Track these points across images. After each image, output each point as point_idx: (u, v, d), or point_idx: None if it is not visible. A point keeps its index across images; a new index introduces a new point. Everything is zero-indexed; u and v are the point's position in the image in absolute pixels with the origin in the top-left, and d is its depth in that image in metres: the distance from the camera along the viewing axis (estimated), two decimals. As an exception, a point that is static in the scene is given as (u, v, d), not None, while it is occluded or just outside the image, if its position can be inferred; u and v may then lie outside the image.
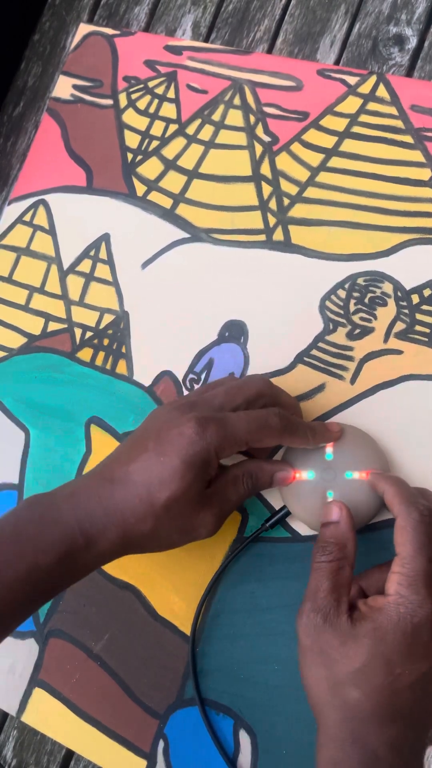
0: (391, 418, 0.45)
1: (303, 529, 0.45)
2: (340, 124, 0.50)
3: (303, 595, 0.37)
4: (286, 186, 0.51)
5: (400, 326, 0.46)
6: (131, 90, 0.57)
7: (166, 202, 0.54)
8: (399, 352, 0.46)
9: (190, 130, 0.54)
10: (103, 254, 0.55)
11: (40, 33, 0.64)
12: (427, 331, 0.45)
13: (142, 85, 0.57)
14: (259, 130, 0.52)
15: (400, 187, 0.48)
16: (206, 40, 0.57)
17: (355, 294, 0.47)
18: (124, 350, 0.52)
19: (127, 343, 0.52)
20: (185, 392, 0.50)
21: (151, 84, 0.57)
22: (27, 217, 0.58)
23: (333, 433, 0.43)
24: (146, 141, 0.56)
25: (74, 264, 0.55)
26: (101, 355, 0.53)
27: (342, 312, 0.48)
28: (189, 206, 0.53)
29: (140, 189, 0.55)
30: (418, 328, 0.46)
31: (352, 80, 0.51)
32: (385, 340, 0.46)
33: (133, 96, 0.57)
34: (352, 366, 0.47)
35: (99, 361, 0.53)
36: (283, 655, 0.44)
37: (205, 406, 0.40)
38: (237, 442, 0.39)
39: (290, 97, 0.52)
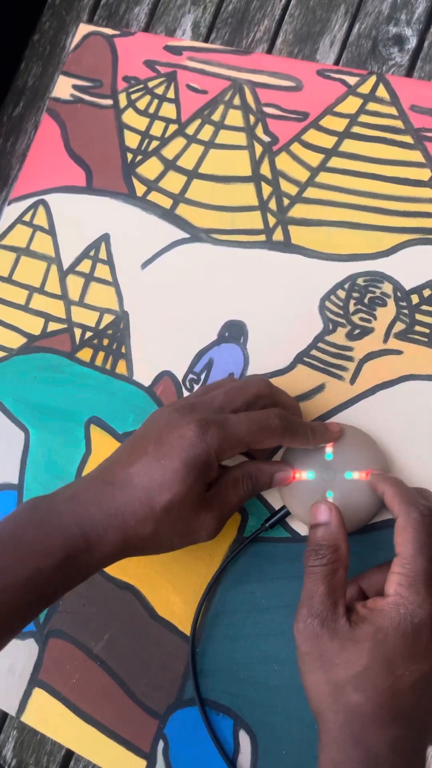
0: (391, 418, 0.45)
1: (303, 529, 0.45)
2: (339, 125, 0.50)
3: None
4: (285, 186, 0.51)
5: (399, 326, 0.46)
6: (131, 90, 0.57)
7: (166, 202, 0.54)
8: (399, 352, 0.46)
9: (190, 130, 0.54)
10: (102, 254, 0.55)
11: (40, 33, 0.63)
12: (427, 331, 0.45)
13: (141, 86, 0.57)
14: (259, 131, 0.52)
15: (400, 188, 0.48)
16: (206, 41, 0.57)
17: (355, 294, 0.47)
18: (123, 350, 0.52)
19: (126, 344, 0.52)
20: (185, 392, 0.50)
21: (150, 84, 0.57)
22: (27, 217, 0.58)
23: (333, 433, 0.43)
24: (146, 141, 0.56)
25: (74, 264, 0.55)
26: (101, 355, 0.53)
27: (342, 312, 0.48)
28: (189, 206, 0.53)
29: (140, 189, 0.55)
30: (417, 328, 0.46)
31: (351, 80, 0.51)
32: (385, 340, 0.46)
33: (133, 96, 0.57)
34: (352, 366, 0.47)
35: (99, 362, 0.53)
36: (282, 655, 0.44)
37: (205, 408, 0.40)
38: (238, 443, 0.39)
39: (290, 98, 0.52)
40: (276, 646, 0.44)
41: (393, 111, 0.49)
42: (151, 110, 0.56)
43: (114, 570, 0.48)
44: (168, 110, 0.55)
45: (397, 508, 0.36)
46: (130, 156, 0.56)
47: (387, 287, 0.47)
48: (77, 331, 0.54)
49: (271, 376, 0.48)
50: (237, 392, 0.41)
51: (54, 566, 0.36)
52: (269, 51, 0.55)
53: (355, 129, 0.50)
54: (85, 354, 0.53)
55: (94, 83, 0.59)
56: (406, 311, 0.46)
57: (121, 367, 0.52)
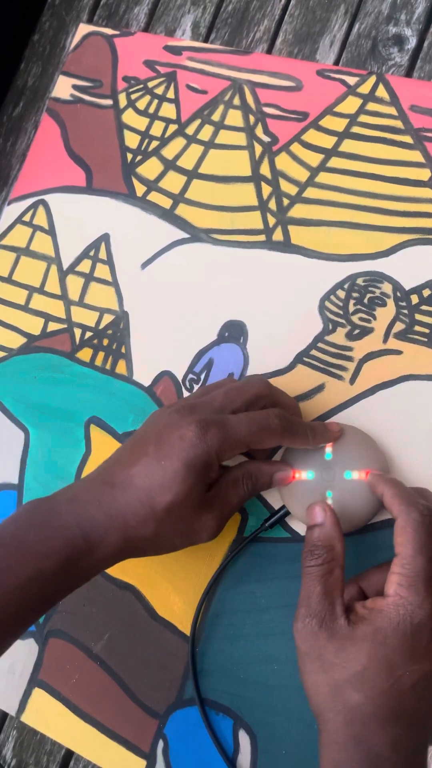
0: (391, 418, 0.45)
1: (302, 529, 0.45)
2: (339, 125, 0.50)
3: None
4: (285, 186, 0.51)
5: (399, 326, 0.46)
6: (131, 90, 0.57)
7: (166, 203, 0.54)
8: (398, 352, 0.46)
9: (190, 130, 0.54)
10: (102, 254, 0.55)
11: (39, 33, 0.64)
12: (427, 331, 0.45)
13: (141, 86, 0.57)
14: (259, 131, 0.52)
15: (400, 188, 0.48)
16: (206, 41, 0.57)
17: (355, 294, 0.47)
18: (123, 350, 0.52)
19: (126, 344, 0.52)
20: (185, 392, 0.50)
21: (150, 84, 0.57)
22: (27, 217, 0.58)
23: (333, 433, 0.43)
24: (146, 141, 0.56)
25: (74, 264, 0.55)
26: (101, 355, 0.53)
27: (341, 312, 0.48)
28: (189, 206, 0.53)
29: (140, 189, 0.55)
30: (417, 328, 0.46)
31: (351, 80, 0.51)
32: (385, 340, 0.46)
33: (133, 96, 0.57)
34: (352, 366, 0.47)
35: (99, 362, 0.53)
36: (282, 655, 0.44)
37: (205, 408, 0.40)
38: (238, 444, 0.39)
39: (290, 98, 0.52)
40: (276, 646, 0.44)
41: (393, 111, 0.49)
42: (151, 110, 0.56)
43: (114, 570, 0.48)
44: (168, 110, 0.55)
45: (396, 509, 0.37)
46: (130, 156, 0.56)
47: (387, 287, 0.47)
48: (77, 331, 0.54)
49: (271, 376, 0.48)
50: (237, 393, 0.41)
51: (55, 568, 0.36)
52: (269, 51, 0.55)
53: (355, 129, 0.50)
54: (85, 354, 0.53)
55: (94, 83, 0.59)
56: (405, 311, 0.46)
57: (121, 367, 0.52)
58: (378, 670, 0.33)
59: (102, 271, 0.54)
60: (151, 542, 0.39)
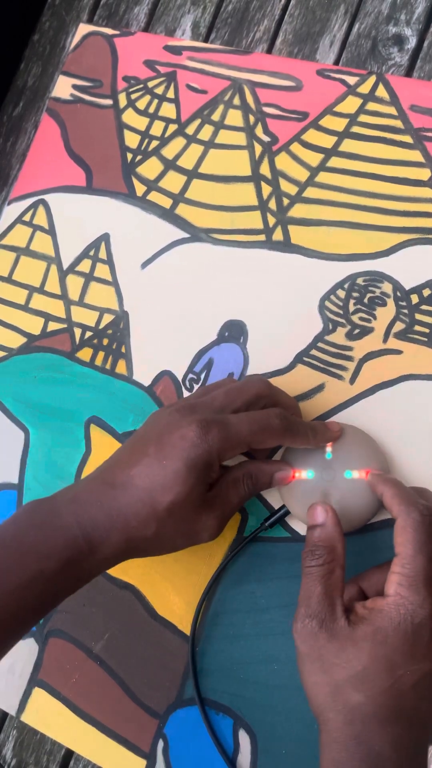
0: (391, 417, 0.45)
1: (302, 529, 0.45)
2: (339, 124, 0.50)
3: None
4: (285, 186, 0.51)
5: (399, 326, 0.46)
6: (131, 90, 0.57)
7: (166, 202, 0.54)
8: (398, 352, 0.46)
9: (190, 130, 0.54)
10: (102, 254, 0.55)
11: (40, 33, 0.64)
12: (427, 331, 0.45)
13: (141, 85, 0.57)
14: (259, 130, 0.52)
15: (400, 187, 0.48)
16: (206, 40, 0.57)
17: (355, 294, 0.47)
18: (123, 350, 0.52)
19: (126, 343, 0.52)
20: (185, 392, 0.50)
21: (150, 84, 0.57)
22: (27, 217, 0.58)
23: (333, 433, 0.43)
24: (146, 141, 0.56)
25: (74, 264, 0.55)
26: (101, 355, 0.53)
27: (341, 312, 0.48)
28: (189, 206, 0.53)
29: (140, 189, 0.55)
30: (417, 328, 0.46)
31: (351, 80, 0.51)
32: (385, 340, 0.46)
33: (133, 96, 0.57)
34: (352, 366, 0.47)
35: (99, 361, 0.53)
36: (282, 655, 0.44)
37: (205, 408, 0.40)
38: (239, 444, 0.39)
39: (290, 97, 0.52)
40: (276, 646, 0.44)
41: (393, 111, 0.49)
42: (151, 110, 0.56)
43: (114, 570, 0.48)
44: (168, 110, 0.55)
45: (396, 509, 0.37)
46: (130, 156, 0.56)
47: (387, 287, 0.47)
48: (77, 331, 0.54)
49: (271, 376, 0.48)
50: (237, 392, 0.41)
51: (56, 569, 0.36)
52: (269, 51, 0.55)
53: (355, 129, 0.50)
54: (85, 354, 0.53)
55: (94, 83, 0.59)
56: (405, 311, 0.46)
57: (121, 367, 0.52)
58: (379, 670, 0.33)
59: (102, 270, 0.54)
60: (153, 542, 0.39)
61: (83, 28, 0.60)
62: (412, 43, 0.51)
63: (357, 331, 0.47)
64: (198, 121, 0.54)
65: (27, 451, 0.53)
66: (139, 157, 0.55)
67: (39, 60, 0.63)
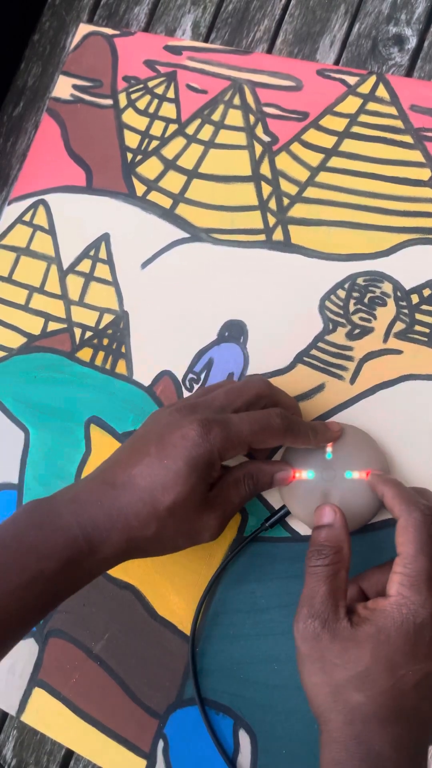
0: (391, 417, 0.45)
1: (302, 529, 0.45)
2: (339, 124, 0.50)
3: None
4: (285, 186, 0.51)
5: (399, 326, 0.46)
6: (131, 90, 0.57)
7: (166, 202, 0.54)
8: (398, 352, 0.46)
9: (190, 130, 0.54)
10: (102, 254, 0.55)
11: (40, 33, 0.64)
12: (427, 331, 0.45)
13: (141, 85, 0.57)
14: (259, 130, 0.52)
15: (400, 187, 0.48)
16: (206, 40, 0.57)
17: (355, 294, 0.47)
18: (123, 350, 0.52)
19: (126, 343, 0.52)
20: (185, 392, 0.50)
21: (150, 84, 0.57)
22: (27, 217, 0.58)
23: (333, 433, 0.43)
24: (146, 141, 0.56)
25: (74, 264, 0.55)
26: (101, 354, 0.53)
27: (342, 312, 0.48)
28: (189, 206, 0.53)
29: (140, 189, 0.55)
30: (417, 328, 0.46)
31: (351, 80, 0.51)
32: (385, 340, 0.46)
33: (133, 96, 0.57)
34: (352, 366, 0.47)
35: (99, 361, 0.53)
36: (282, 655, 0.44)
37: (206, 408, 0.40)
38: (240, 443, 0.39)
39: (290, 97, 0.52)
40: (276, 646, 0.44)
41: (393, 111, 0.49)
42: (151, 110, 0.56)
43: (114, 570, 0.48)
44: (168, 110, 0.55)
45: (398, 509, 0.36)
46: (130, 156, 0.56)
47: (387, 287, 0.47)
48: (77, 331, 0.54)
49: (271, 376, 0.48)
50: (238, 392, 0.41)
51: (56, 569, 0.36)
52: (269, 51, 0.55)
53: (355, 129, 0.50)
54: (85, 354, 0.53)
55: (94, 83, 0.59)
56: (406, 311, 0.46)
57: (121, 367, 0.52)
58: (380, 670, 0.33)
59: (102, 270, 0.54)
60: (154, 542, 0.39)
61: (83, 28, 0.60)
62: (412, 43, 0.51)
63: (357, 331, 0.47)
64: (198, 121, 0.54)
65: (27, 451, 0.53)
66: (139, 157, 0.55)
67: (39, 60, 0.63)
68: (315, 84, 0.52)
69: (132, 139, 0.56)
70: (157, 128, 0.55)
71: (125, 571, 0.48)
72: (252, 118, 0.53)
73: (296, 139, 0.51)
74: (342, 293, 0.48)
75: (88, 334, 0.53)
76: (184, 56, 0.56)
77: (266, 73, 0.53)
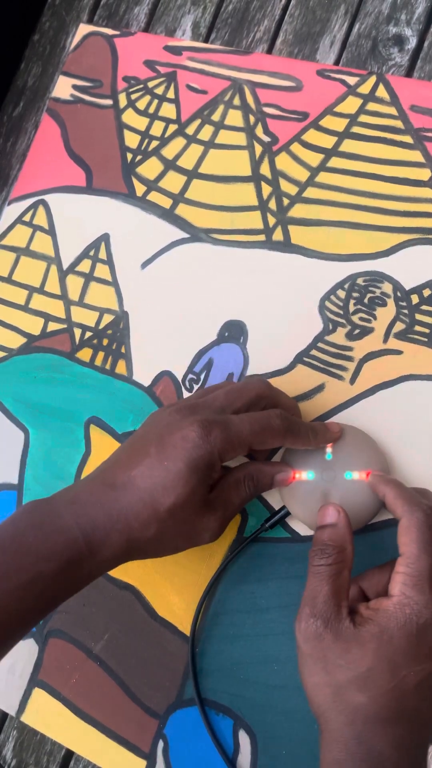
0: (391, 418, 0.45)
1: (302, 530, 0.45)
2: (339, 125, 0.50)
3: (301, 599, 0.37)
4: (285, 186, 0.51)
5: (399, 326, 0.46)
6: (131, 90, 0.57)
7: (166, 202, 0.54)
8: (398, 352, 0.46)
9: (190, 130, 0.54)
10: (102, 254, 0.55)
11: (40, 33, 0.63)
12: (427, 331, 0.45)
13: (141, 86, 0.57)
14: (259, 131, 0.52)
15: (400, 188, 0.48)
16: (206, 41, 0.57)
17: (355, 294, 0.47)
18: (123, 350, 0.52)
19: (126, 343, 0.52)
20: (185, 392, 0.50)
21: (150, 84, 0.57)
22: (27, 217, 0.58)
23: (333, 434, 0.43)
24: (146, 141, 0.56)
25: (74, 264, 0.55)
26: (101, 355, 0.53)
27: (341, 312, 0.48)
28: (188, 206, 0.53)
29: (140, 189, 0.55)
30: (417, 328, 0.46)
31: (351, 80, 0.51)
32: (385, 340, 0.46)
33: (133, 96, 0.57)
34: (352, 366, 0.47)
35: (98, 361, 0.52)
36: (282, 655, 0.43)
37: (206, 408, 0.40)
38: (240, 444, 0.39)
39: (290, 98, 0.52)
40: (276, 646, 0.44)
41: (393, 111, 0.49)
42: (151, 110, 0.56)
43: (114, 570, 0.48)
44: (168, 110, 0.55)
45: (400, 509, 0.36)
46: (130, 156, 0.56)
47: (387, 287, 0.47)
48: (77, 331, 0.54)
49: (271, 376, 0.48)
50: (238, 393, 0.41)
51: (56, 570, 0.36)
52: (269, 51, 0.55)
53: (355, 129, 0.50)
54: (84, 354, 0.53)
55: (94, 83, 0.59)
56: (406, 311, 0.46)
57: (121, 367, 0.52)
58: (382, 671, 0.33)
59: (102, 271, 0.54)
60: (154, 544, 0.38)
61: (83, 29, 0.60)
62: (412, 43, 0.51)
63: (357, 331, 0.47)
64: (198, 121, 0.54)
65: (27, 451, 0.53)
66: (139, 157, 0.55)
67: (39, 60, 0.63)
68: (315, 84, 0.52)
69: (132, 140, 0.56)
70: (157, 128, 0.55)
71: (125, 572, 0.48)
72: (252, 119, 0.53)
73: (296, 140, 0.51)
74: (342, 293, 0.48)
75: (88, 334, 0.53)
76: (184, 56, 0.56)
77: (266, 74, 0.53)
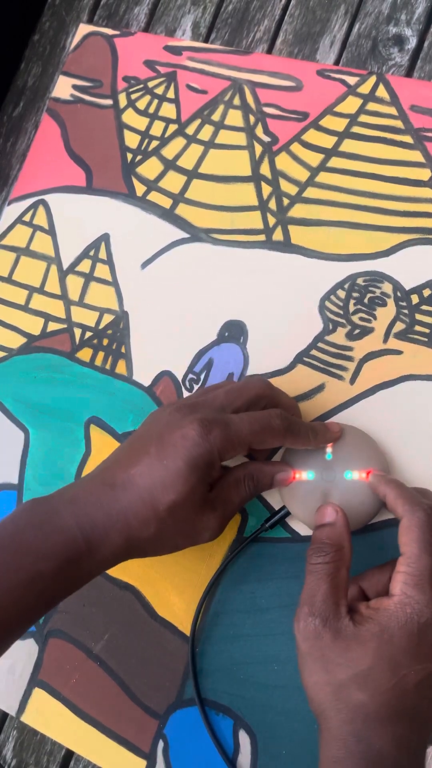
0: (391, 418, 0.45)
1: (302, 529, 0.45)
2: (339, 125, 0.50)
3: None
4: (285, 186, 0.51)
5: (399, 326, 0.46)
6: (131, 90, 0.57)
7: (166, 202, 0.54)
8: (398, 352, 0.46)
9: (190, 130, 0.54)
10: (102, 254, 0.55)
11: (40, 33, 0.64)
12: (427, 331, 0.45)
13: (141, 86, 0.57)
14: (259, 130, 0.52)
15: (400, 188, 0.48)
16: (206, 41, 0.57)
17: (355, 294, 0.47)
18: (123, 350, 0.52)
19: (126, 343, 0.52)
20: (185, 392, 0.50)
21: (150, 84, 0.57)
22: (27, 217, 0.58)
23: (333, 433, 0.43)
24: (146, 141, 0.56)
25: (74, 264, 0.55)
26: (101, 355, 0.53)
27: (341, 312, 0.48)
28: (189, 206, 0.53)
29: (140, 189, 0.55)
30: (417, 328, 0.46)
31: (351, 80, 0.51)
32: (385, 340, 0.46)
33: (133, 96, 0.57)
34: (352, 366, 0.47)
35: (98, 361, 0.52)
36: (282, 655, 0.43)
37: (206, 407, 0.40)
38: (240, 443, 0.39)
39: (290, 98, 0.52)
40: (276, 646, 0.44)
41: (393, 111, 0.49)
42: (151, 110, 0.56)
43: (114, 570, 0.48)
44: (168, 110, 0.55)
45: (401, 509, 0.36)
46: (130, 156, 0.56)
47: (387, 287, 0.47)
48: (77, 331, 0.54)
49: (271, 376, 0.48)
50: (238, 393, 0.41)
51: (55, 569, 0.36)
52: (269, 51, 0.55)
53: (355, 129, 0.50)
54: (84, 354, 0.53)
55: (94, 83, 0.59)
56: (406, 311, 0.46)
57: (121, 367, 0.52)
58: (383, 669, 0.33)
59: (102, 271, 0.54)
60: (153, 543, 0.38)
61: (83, 29, 0.60)
62: (412, 43, 0.51)
63: (357, 331, 0.47)
64: (198, 121, 0.54)
65: (27, 451, 0.53)
66: (139, 157, 0.55)
67: (39, 60, 0.63)
68: (315, 84, 0.52)
69: (132, 140, 0.56)
70: (157, 128, 0.55)
71: (125, 571, 0.48)
72: (252, 119, 0.53)
73: (296, 140, 0.51)
74: (342, 293, 0.48)
75: (88, 334, 0.53)
76: (184, 56, 0.56)
77: (266, 74, 0.53)
